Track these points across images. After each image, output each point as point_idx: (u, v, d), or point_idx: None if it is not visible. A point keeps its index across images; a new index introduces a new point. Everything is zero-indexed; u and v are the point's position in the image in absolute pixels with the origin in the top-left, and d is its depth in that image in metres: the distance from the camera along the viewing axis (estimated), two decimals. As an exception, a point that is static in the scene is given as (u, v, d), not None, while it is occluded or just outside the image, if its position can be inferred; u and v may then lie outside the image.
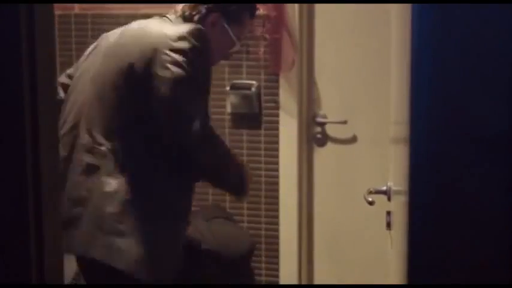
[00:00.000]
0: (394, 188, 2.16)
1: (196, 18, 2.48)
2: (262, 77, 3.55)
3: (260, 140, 3.59)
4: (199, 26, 2.39)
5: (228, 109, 3.59)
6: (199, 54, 2.33)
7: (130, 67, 2.31)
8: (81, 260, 2.42)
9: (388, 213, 2.32)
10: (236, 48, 2.60)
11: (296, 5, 3.49)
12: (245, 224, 3.62)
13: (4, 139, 1.19)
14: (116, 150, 2.33)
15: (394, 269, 2.05)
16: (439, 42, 1.24)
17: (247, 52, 3.55)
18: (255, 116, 3.58)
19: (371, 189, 2.42)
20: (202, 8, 2.49)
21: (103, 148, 2.33)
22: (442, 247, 1.28)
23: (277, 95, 3.55)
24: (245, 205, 3.64)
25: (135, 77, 2.31)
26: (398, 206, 1.84)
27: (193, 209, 3.49)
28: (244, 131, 3.59)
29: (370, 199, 2.41)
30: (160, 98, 2.28)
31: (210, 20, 2.50)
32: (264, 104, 3.58)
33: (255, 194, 3.62)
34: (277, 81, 3.54)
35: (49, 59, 1.25)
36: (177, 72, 2.27)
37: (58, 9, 3.61)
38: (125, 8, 3.60)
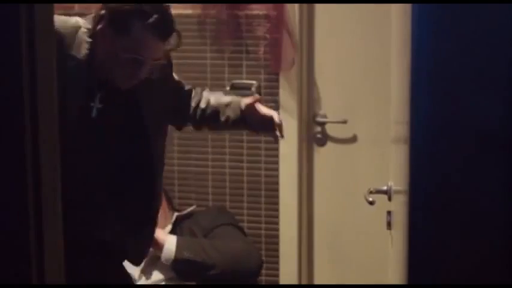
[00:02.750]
0: (394, 187, 2.17)
1: (93, 21, 2.27)
2: (262, 76, 3.55)
3: (260, 139, 3.59)
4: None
5: (228, 109, 3.59)
6: None
7: None
8: None
9: (389, 213, 2.32)
10: (146, 67, 2.23)
11: (296, 5, 3.49)
12: (245, 224, 3.62)
13: (4, 139, 1.19)
14: None
15: (394, 269, 2.05)
16: (439, 42, 1.24)
17: (247, 52, 3.55)
18: (255, 115, 3.58)
19: (371, 189, 2.42)
20: (102, 11, 2.24)
21: None
22: (442, 247, 1.28)
23: (277, 94, 3.55)
24: (245, 205, 3.64)
25: None
26: (399, 206, 1.84)
27: (195, 209, 3.51)
28: (244, 131, 3.59)
29: (370, 199, 2.41)
30: None
31: (100, 28, 2.23)
32: (264, 104, 3.57)
33: (255, 194, 3.62)
34: (277, 80, 3.54)
35: (49, 59, 1.25)
36: None
37: (58, 9, 3.60)
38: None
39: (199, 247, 3.17)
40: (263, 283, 3.66)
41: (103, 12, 2.22)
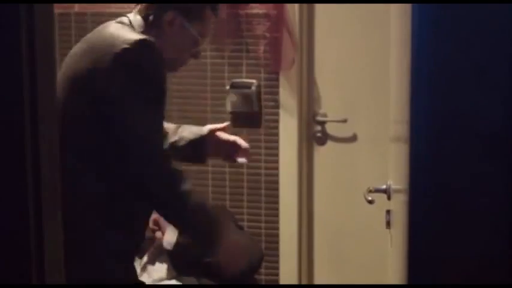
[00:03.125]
0: (393, 186, 2.17)
1: (151, 18, 2.32)
2: (262, 75, 3.55)
3: (260, 139, 3.59)
4: (146, 37, 2.21)
5: (228, 108, 3.59)
6: (148, 69, 2.19)
7: (78, 80, 2.22)
8: None
9: (388, 212, 2.32)
10: (201, 45, 2.42)
11: (296, 5, 3.49)
12: (245, 223, 3.62)
13: (4, 139, 1.19)
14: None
15: (394, 268, 2.05)
16: (439, 42, 1.24)
17: (247, 51, 3.55)
18: (254, 115, 3.58)
19: (371, 188, 2.42)
20: (158, 7, 2.33)
21: None
22: (442, 247, 1.28)
23: (277, 93, 3.55)
24: (245, 205, 3.64)
25: (81, 91, 2.21)
26: (398, 205, 1.84)
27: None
28: (244, 130, 3.59)
29: (369, 198, 2.41)
30: (106, 116, 2.18)
31: (167, 19, 2.32)
32: (264, 103, 3.58)
33: (255, 193, 3.62)
34: (277, 80, 3.54)
35: (49, 59, 1.25)
36: (121, 89, 2.16)
37: (58, 8, 3.61)
38: (124, 7, 3.59)
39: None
40: (263, 283, 3.66)
41: (167, 4, 2.31)
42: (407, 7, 1.41)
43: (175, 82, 3.51)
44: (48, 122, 1.23)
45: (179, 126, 2.62)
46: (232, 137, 2.60)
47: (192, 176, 3.67)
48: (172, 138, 2.58)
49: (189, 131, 2.59)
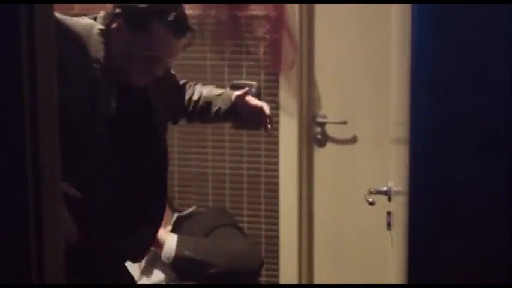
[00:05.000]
0: (394, 188, 2.17)
1: (106, 20, 2.28)
2: (262, 77, 3.55)
3: (260, 140, 3.59)
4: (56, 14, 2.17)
5: (228, 109, 3.59)
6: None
7: None
8: None
9: (389, 213, 2.32)
10: (159, 62, 2.27)
11: (296, 5, 3.49)
12: (245, 224, 3.62)
13: (4, 139, 1.19)
14: None
15: (394, 269, 2.05)
16: (439, 42, 1.24)
17: (247, 52, 3.55)
18: (255, 116, 3.58)
19: (371, 190, 2.42)
20: (112, 13, 2.26)
21: None
22: (442, 247, 1.28)
23: (277, 95, 3.55)
24: (245, 205, 3.64)
25: None
26: (399, 206, 1.84)
27: (195, 210, 3.51)
28: (244, 131, 3.59)
29: (370, 199, 2.41)
30: None
31: (114, 27, 2.25)
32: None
33: (255, 194, 3.62)
34: (277, 81, 3.54)
35: (49, 59, 1.25)
36: None
37: (58, 9, 3.60)
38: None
39: (199, 246, 3.16)
40: (263, 283, 3.66)
41: (118, 10, 2.24)
42: (407, 7, 1.41)
43: (175, 83, 3.51)
44: (48, 122, 1.23)
45: (188, 82, 2.66)
46: (259, 103, 2.58)
47: (192, 177, 3.68)
48: (189, 94, 2.62)
49: (212, 94, 2.63)
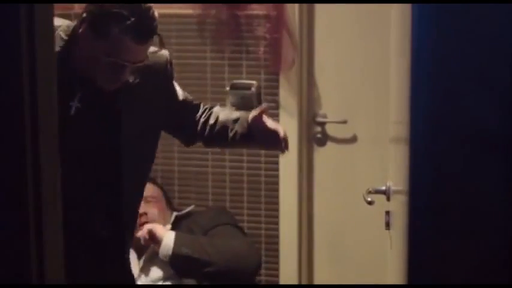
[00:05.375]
0: (393, 187, 2.17)
1: (76, 24, 2.25)
2: (262, 76, 3.55)
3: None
4: None
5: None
6: None
7: None
8: None
9: (387, 213, 2.32)
10: (125, 69, 2.22)
11: (296, 5, 3.49)
12: (245, 224, 3.62)
13: (4, 139, 1.19)
14: None
15: (394, 269, 2.05)
16: (439, 42, 1.24)
17: (247, 52, 3.55)
18: (255, 115, 3.58)
19: (370, 189, 2.42)
20: (83, 15, 2.22)
21: None
22: (442, 247, 1.28)
23: (277, 94, 3.55)
24: (245, 205, 3.64)
25: None
26: (398, 206, 1.84)
27: (194, 209, 3.51)
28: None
29: (369, 199, 2.41)
30: None
31: (79, 30, 2.22)
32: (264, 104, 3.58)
33: (255, 194, 3.62)
34: (277, 81, 3.54)
35: (49, 59, 1.25)
36: None
37: (58, 9, 3.60)
38: (124, 8, 3.60)
39: (197, 244, 3.17)
40: (263, 283, 3.66)
41: (84, 15, 2.21)
42: (407, 7, 1.41)
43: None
44: (48, 122, 1.23)
45: (203, 104, 2.66)
46: (274, 125, 2.55)
47: (192, 177, 3.68)
48: (204, 117, 2.62)
49: (229, 118, 2.61)
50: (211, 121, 2.62)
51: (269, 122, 2.54)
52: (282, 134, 2.50)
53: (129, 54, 2.19)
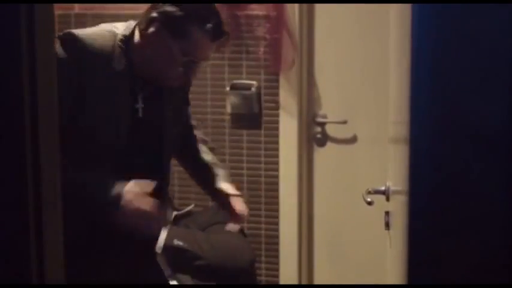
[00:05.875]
0: (392, 188, 2.16)
1: (143, 24, 2.31)
2: (262, 77, 3.55)
3: (260, 140, 3.59)
4: (72, 31, 2.26)
5: (228, 109, 3.60)
6: (62, 64, 2.14)
7: None
8: None
9: (387, 213, 2.32)
10: (194, 65, 2.35)
11: (296, 5, 3.49)
12: (245, 224, 3.62)
13: (4, 139, 1.19)
14: None
15: (393, 269, 2.05)
16: (439, 42, 1.24)
17: (247, 52, 3.55)
18: (255, 116, 3.58)
19: (370, 189, 2.41)
20: (153, 14, 2.29)
21: None
22: (441, 247, 1.28)
23: (277, 95, 3.55)
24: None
25: None
26: (397, 206, 1.84)
27: (194, 208, 3.51)
28: (244, 131, 3.59)
29: (368, 199, 2.41)
30: None
31: (151, 29, 2.29)
32: (264, 104, 3.58)
33: (255, 194, 3.62)
34: (277, 81, 3.54)
35: (49, 59, 1.25)
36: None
37: (58, 9, 3.61)
38: (124, 8, 3.60)
39: (191, 237, 3.17)
40: (263, 283, 3.66)
41: (154, 15, 2.28)
42: (407, 7, 1.41)
43: (175, 83, 3.51)
44: (48, 122, 1.23)
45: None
46: (237, 207, 2.77)
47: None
48: (199, 146, 2.81)
49: (215, 169, 2.86)
50: (206, 158, 2.79)
51: (238, 205, 2.75)
52: (239, 220, 2.72)
53: (204, 52, 2.34)
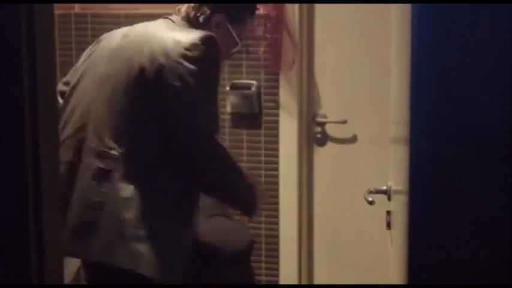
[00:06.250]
0: (394, 187, 2.17)
1: (201, 19, 2.47)
2: (262, 76, 3.55)
3: (260, 140, 3.59)
4: (210, 33, 2.37)
5: (228, 109, 3.59)
6: (212, 63, 2.34)
7: (141, 71, 2.29)
8: (98, 266, 2.38)
9: (388, 213, 2.32)
10: (238, 48, 2.59)
11: (296, 5, 3.49)
12: (245, 224, 3.62)
13: (4, 139, 1.20)
14: (126, 154, 2.31)
15: (394, 268, 2.05)
16: (439, 42, 1.24)
17: (247, 52, 3.55)
18: (255, 116, 3.58)
19: (371, 189, 2.41)
20: (207, 9, 2.47)
21: (113, 152, 2.30)
22: (442, 247, 1.28)
23: (277, 94, 3.55)
24: (245, 205, 3.64)
25: (146, 82, 2.29)
26: (398, 206, 1.84)
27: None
28: (244, 131, 3.59)
29: (370, 199, 2.41)
30: (171, 106, 2.29)
31: (215, 22, 2.49)
32: (264, 104, 3.58)
33: (255, 193, 3.62)
34: (277, 81, 3.54)
35: (49, 59, 1.25)
36: (189, 82, 2.27)
37: (58, 9, 3.61)
38: (125, 8, 3.60)
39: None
40: (263, 283, 3.66)
41: (207, 12, 2.47)
42: (407, 7, 1.41)
43: (175, 83, 3.51)
44: (48, 121, 1.23)
45: None
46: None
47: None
48: None
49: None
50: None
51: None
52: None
53: (247, 32, 2.67)
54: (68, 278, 3.15)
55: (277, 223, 3.62)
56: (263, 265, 3.63)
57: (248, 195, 2.53)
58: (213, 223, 3.27)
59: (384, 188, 2.32)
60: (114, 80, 2.35)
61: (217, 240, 3.16)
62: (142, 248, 2.28)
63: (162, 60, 2.27)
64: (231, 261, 3.18)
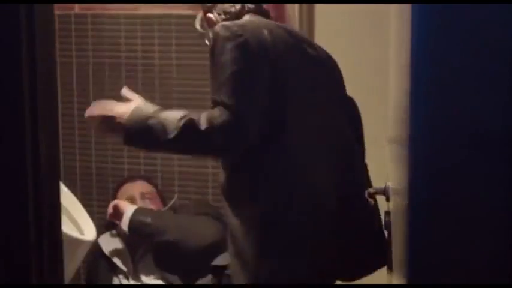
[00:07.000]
0: (392, 188, 2.17)
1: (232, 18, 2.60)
2: (262, 77, 3.55)
3: (260, 140, 3.58)
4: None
5: (228, 109, 3.59)
6: None
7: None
8: None
9: (387, 213, 2.32)
10: None
11: (296, 5, 3.49)
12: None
13: (4, 139, 1.20)
14: None
15: (393, 268, 2.05)
16: (439, 42, 1.24)
17: (247, 52, 3.54)
18: (254, 116, 3.57)
19: (370, 189, 2.41)
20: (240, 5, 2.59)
21: None
22: (442, 247, 1.28)
23: (277, 95, 3.54)
24: (245, 205, 3.63)
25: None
26: (397, 206, 1.84)
27: (178, 201, 3.52)
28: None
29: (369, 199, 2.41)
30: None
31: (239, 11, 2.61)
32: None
33: (255, 194, 3.61)
34: (277, 81, 3.53)
35: (49, 59, 1.25)
36: None
37: (58, 9, 3.61)
38: (124, 8, 3.60)
39: (156, 214, 3.22)
40: (263, 283, 3.65)
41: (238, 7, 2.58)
42: (407, 7, 1.41)
43: (175, 83, 3.51)
44: (48, 121, 1.23)
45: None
46: None
47: (192, 177, 3.67)
48: None
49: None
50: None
51: None
52: None
53: None
54: (68, 278, 3.15)
55: (277, 223, 3.61)
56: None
57: None
58: (185, 220, 3.27)
59: (383, 188, 2.32)
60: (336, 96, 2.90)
61: (178, 236, 3.16)
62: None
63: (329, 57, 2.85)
64: (190, 256, 3.17)
